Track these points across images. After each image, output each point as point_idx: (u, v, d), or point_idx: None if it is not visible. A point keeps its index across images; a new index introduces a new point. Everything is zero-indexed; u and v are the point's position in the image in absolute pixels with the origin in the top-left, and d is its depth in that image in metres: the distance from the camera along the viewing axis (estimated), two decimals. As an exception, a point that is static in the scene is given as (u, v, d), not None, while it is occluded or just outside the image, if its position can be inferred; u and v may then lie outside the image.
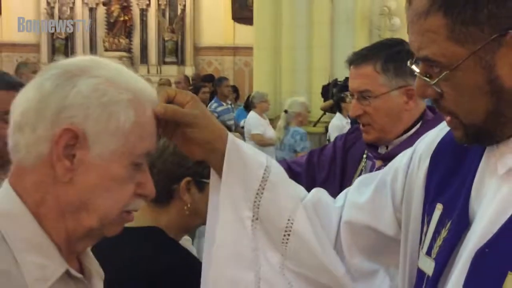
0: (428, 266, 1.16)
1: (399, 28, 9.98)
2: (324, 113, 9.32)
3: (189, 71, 17.45)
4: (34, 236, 1.08)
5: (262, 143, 7.92)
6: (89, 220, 1.09)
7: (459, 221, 1.10)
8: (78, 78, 1.08)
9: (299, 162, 2.52)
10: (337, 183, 2.38)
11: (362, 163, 2.35)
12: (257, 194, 1.34)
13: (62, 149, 1.06)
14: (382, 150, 2.26)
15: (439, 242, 1.14)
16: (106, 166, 1.08)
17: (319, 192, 1.48)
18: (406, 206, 1.31)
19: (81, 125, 1.06)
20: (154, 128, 1.16)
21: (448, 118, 1.11)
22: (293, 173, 2.42)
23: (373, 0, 10.49)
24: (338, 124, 8.05)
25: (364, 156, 2.35)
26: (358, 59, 2.19)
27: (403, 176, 1.33)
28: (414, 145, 1.37)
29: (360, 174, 2.33)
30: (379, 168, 2.23)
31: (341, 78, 9.33)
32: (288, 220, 1.35)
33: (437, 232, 1.16)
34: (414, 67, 1.12)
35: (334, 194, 2.34)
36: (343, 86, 8.94)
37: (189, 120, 1.25)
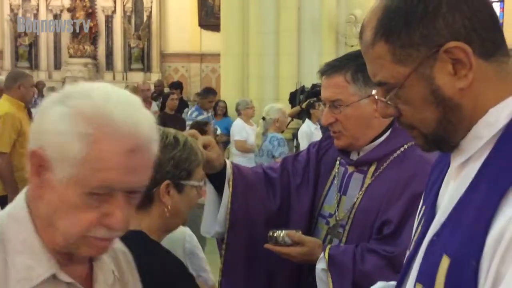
0: (406, 257, 1.33)
1: (365, 35, 10.13)
2: (292, 120, 9.40)
3: (155, 77, 17.41)
4: (28, 239, 1.20)
5: (243, 149, 7.94)
6: (55, 236, 1.19)
7: (428, 217, 1.27)
8: (57, 104, 1.18)
9: (274, 167, 2.56)
10: (310, 188, 2.44)
11: (335, 169, 2.39)
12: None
13: (34, 168, 1.17)
14: (354, 156, 2.32)
15: (415, 237, 1.30)
16: (64, 191, 1.16)
17: None
18: None
19: (46, 150, 1.16)
20: (125, 162, 1.16)
21: (410, 131, 1.27)
22: (268, 178, 2.48)
23: (339, 8, 10.61)
24: (307, 131, 8.13)
25: (337, 162, 2.39)
26: (329, 69, 2.26)
27: None
28: None
29: (333, 180, 2.38)
30: (351, 174, 2.31)
31: (308, 85, 9.45)
32: None
33: (416, 229, 1.32)
34: (374, 92, 1.29)
35: (308, 199, 2.42)
36: (311, 92, 9.05)
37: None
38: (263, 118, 7.10)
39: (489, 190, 1.09)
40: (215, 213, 2.40)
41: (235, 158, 8.19)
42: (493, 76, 1.16)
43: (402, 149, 2.23)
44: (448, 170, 1.27)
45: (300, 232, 2.22)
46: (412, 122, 1.22)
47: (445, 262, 1.11)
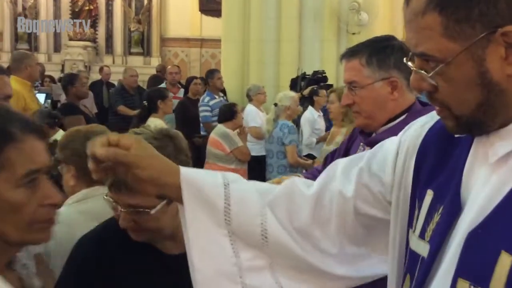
0: (422, 248, 1.23)
1: (367, 23, 10.11)
2: (292, 106, 9.39)
3: (155, 62, 17.39)
4: None
5: (259, 136, 7.94)
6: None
7: (452, 207, 1.18)
8: None
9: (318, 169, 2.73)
10: None
11: (359, 150, 2.51)
12: (225, 212, 1.42)
13: None
14: None
15: (432, 226, 1.21)
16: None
17: (291, 185, 1.51)
18: (397, 192, 1.38)
19: None
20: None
21: (439, 109, 1.20)
22: None
23: (341, -5, 10.59)
24: (310, 117, 8.11)
25: (361, 144, 2.53)
26: (348, 54, 2.40)
27: (392, 163, 1.40)
28: (399, 136, 1.45)
29: None
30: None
31: (309, 72, 9.44)
32: (261, 224, 1.43)
33: (429, 216, 1.23)
34: (410, 63, 1.20)
35: None
36: (312, 79, 9.05)
37: (131, 160, 1.35)
38: (275, 105, 7.09)
39: None
40: None
41: (248, 144, 8.23)
42: None
43: None
44: (471, 157, 1.20)
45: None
46: (448, 101, 1.16)
47: (506, 260, 1.03)
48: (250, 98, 8.47)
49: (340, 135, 5.99)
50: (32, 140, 1.34)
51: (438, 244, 1.18)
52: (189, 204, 1.41)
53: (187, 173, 1.42)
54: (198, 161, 6.69)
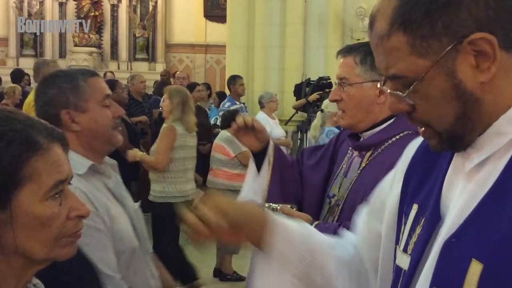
0: (404, 261, 1.24)
1: (371, 29, 10.10)
2: (296, 112, 9.40)
3: (160, 68, 17.41)
4: None
5: None
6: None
7: (432, 217, 1.19)
8: None
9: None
10: (324, 169, 2.63)
11: (348, 155, 2.52)
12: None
13: None
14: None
15: (414, 238, 1.22)
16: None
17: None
18: (388, 211, 1.40)
19: None
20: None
21: (422, 129, 1.19)
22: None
23: (346, 1, 10.60)
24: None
25: (349, 149, 2.52)
26: (344, 50, 2.43)
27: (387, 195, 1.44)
28: (393, 170, 1.48)
29: (343, 165, 2.52)
30: (353, 158, 2.44)
31: (313, 78, 9.44)
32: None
33: (412, 230, 1.24)
34: (384, 87, 1.20)
35: (319, 178, 2.59)
36: (316, 85, 9.05)
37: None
38: (321, 111, 7.09)
39: None
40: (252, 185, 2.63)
41: None
42: None
43: (398, 136, 2.32)
44: (452, 169, 1.20)
45: (295, 208, 2.35)
46: (427, 118, 1.15)
47: (476, 268, 1.04)
48: (262, 105, 8.45)
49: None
50: (57, 149, 1.28)
51: (418, 256, 1.19)
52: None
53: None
54: (204, 169, 6.70)
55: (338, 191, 2.43)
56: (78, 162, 2.10)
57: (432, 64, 1.10)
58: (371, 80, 2.30)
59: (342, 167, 2.49)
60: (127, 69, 17.75)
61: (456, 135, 1.14)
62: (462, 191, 1.14)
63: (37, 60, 8.75)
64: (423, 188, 1.26)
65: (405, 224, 1.28)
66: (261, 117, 8.31)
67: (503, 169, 1.08)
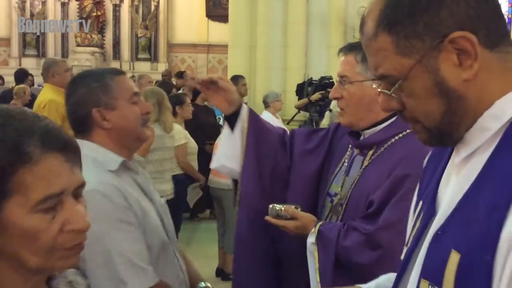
0: (403, 253, 1.31)
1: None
2: (298, 111, 9.40)
3: (162, 68, 17.43)
4: None
5: None
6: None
7: (428, 211, 1.25)
8: None
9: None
10: (319, 158, 2.61)
11: (348, 153, 2.50)
12: None
13: None
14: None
15: (413, 232, 1.29)
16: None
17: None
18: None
19: None
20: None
21: (412, 125, 1.25)
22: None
23: (347, 0, 10.60)
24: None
25: (350, 146, 2.50)
26: (346, 48, 2.43)
27: None
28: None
29: (344, 162, 2.50)
30: (355, 156, 2.43)
31: (316, 77, 9.45)
32: None
33: (414, 225, 1.30)
34: (376, 86, 1.25)
35: (312, 167, 2.57)
36: (319, 85, 9.05)
37: None
38: (330, 110, 7.11)
39: (499, 185, 1.06)
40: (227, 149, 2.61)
41: None
42: (498, 66, 1.14)
43: (400, 135, 2.32)
44: (449, 164, 1.25)
45: (299, 208, 2.37)
46: (416, 115, 1.20)
47: (454, 258, 1.08)
48: (267, 105, 8.43)
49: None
50: (53, 160, 1.17)
51: (412, 247, 1.26)
52: None
53: None
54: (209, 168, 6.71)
55: (341, 190, 2.42)
56: (110, 159, 2.17)
57: (415, 63, 1.15)
58: (372, 79, 2.28)
59: (343, 165, 2.48)
60: (129, 69, 17.77)
61: (444, 131, 1.19)
62: (452, 185, 1.20)
63: (46, 60, 8.72)
64: (429, 185, 1.31)
65: (412, 221, 1.34)
66: (266, 117, 8.27)
67: (485, 163, 1.12)
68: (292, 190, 2.58)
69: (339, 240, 2.24)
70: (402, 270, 1.29)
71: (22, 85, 9.90)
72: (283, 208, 2.33)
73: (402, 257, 1.31)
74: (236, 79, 9.10)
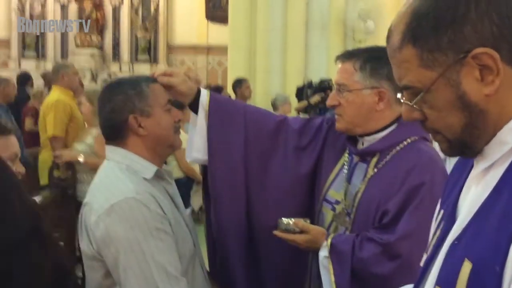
0: (423, 260, 1.35)
1: (374, 31, 10.11)
2: (298, 114, 9.40)
3: (161, 69, 17.39)
4: None
5: None
6: None
7: (447, 221, 1.29)
8: None
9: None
10: (313, 156, 2.55)
11: (345, 157, 2.47)
12: None
13: None
14: (359, 146, 2.43)
15: (433, 241, 1.32)
16: None
17: None
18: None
19: None
20: None
21: (433, 134, 1.28)
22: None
23: (347, 3, 10.60)
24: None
25: (347, 150, 2.47)
26: (343, 56, 2.41)
27: None
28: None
29: (342, 168, 2.46)
30: (356, 164, 2.39)
31: (315, 80, 9.44)
32: None
33: (434, 233, 1.34)
34: (399, 96, 1.29)
35: (307, 166, 2.50)
36: (319, 88, 9.05)
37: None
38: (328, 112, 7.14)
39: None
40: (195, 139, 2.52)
41: None
42: None
43: (405, 142, 2.30)
44: (470, 175, 1.28)
45: (308, 221, 2.33)
46: (437, 126, 1.24)
47: (467, 267, 1.11)
48: (275, 108, 8.38)
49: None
50: None
51: (431, 255, 1.29)
52: None
53: None
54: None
55: (344, 198, 2.38)
56: (145, 167, 2.19)
57: (438, 76, 1.19)
58: (370, 87, 2.29)
59: (341, 171, 2.44)
60: (129, 71, 17.78)
61: (464, 143, 1.22)
62: (471, 196, 1.24)
63: (56, 63, 8.89)
64: (450, 195, 1.35)
65: (433, 229, 1.38)
66: None
67: (502, 175, 1.16)
68: (281, 188, 2.50)
69: (355, 252, 2.21)
70: (421, 278, 1.33)
71: (40, 89, 10.14)
72: (291, 222, 2.29)
73: (422, 264, 1.34)
74: (239, 82, 9.09)
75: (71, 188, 5.86)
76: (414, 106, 1.24)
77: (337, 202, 2.41)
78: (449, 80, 1.18)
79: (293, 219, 2.30)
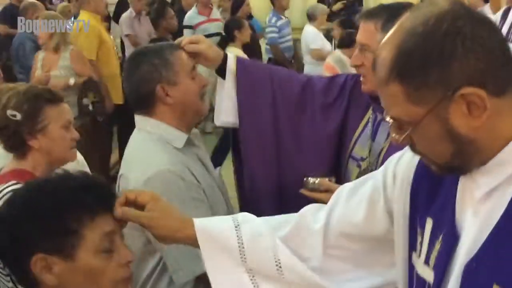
0: (427, 275, 1.34)
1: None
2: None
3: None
4: None
5: (320, 57, 7.77)
6: None
7: (449, 236, 1.28)
8: None
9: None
10: (340, 114, 2.54)
11: (369, 114, 2.47)
12: (240, 251, 1.57)
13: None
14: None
15: (435, 253, 1.32)
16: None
17: (300, 223, 1.66)
18: (397, 220, 1.49)
19: None
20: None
21: (422, 158, 1.30)
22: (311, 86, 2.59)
23: None
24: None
25: (371, 107, 2.46)
26: (365, 15, 2.37)
27: (383, 193, 1.53)
28: (389, 168, 1.53)
29: (366, 125, 2.47)
30: (380, 121, 2.38)
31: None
32: (274, 256, 1.58)
33: (432, 243, 1.33)
34: (387, 118, 1.28)
35: (334, 123, 2.50)
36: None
37: (145, 222, 1.54)
38: None
39: None
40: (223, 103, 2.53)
41: (308, 67, 7.89)
42: (507, 109, 1.18)
43: None
44: (461, 190, 1.29)
45: (333, 179, 2.35)
46: (426, 154, 1.26)
47: None
48: (311, 18, 8.16)
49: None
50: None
51: (441, 272, 1.28)
52: (207, 252, 1.57)
53: (200, 224, 1.59)
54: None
55: (369, 155, 2.40)
56: (176, 136, 2.22)
57: (426, 112, 1.18)
58: None
59: (366, 127, 2.46)
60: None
61: (454, 166, 1.24)
62: (476, 214, 1.23)
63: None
64: (434, 201, 1.35)
65: (421, 236, 1.38)
66: (311, 32, 8.08)
67: None
68: (310, 149, 2.53)
69: None
70: None
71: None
72: (316, 181, 2.32)
73: (429, 279, 1.33)
74: None
75: (101, 115, 5.99)
76: (402, 135, 1.24)
77: (363, 159, 2.43)
78: (437, 115, 1.17)
79: (318, 179, 2.33)
